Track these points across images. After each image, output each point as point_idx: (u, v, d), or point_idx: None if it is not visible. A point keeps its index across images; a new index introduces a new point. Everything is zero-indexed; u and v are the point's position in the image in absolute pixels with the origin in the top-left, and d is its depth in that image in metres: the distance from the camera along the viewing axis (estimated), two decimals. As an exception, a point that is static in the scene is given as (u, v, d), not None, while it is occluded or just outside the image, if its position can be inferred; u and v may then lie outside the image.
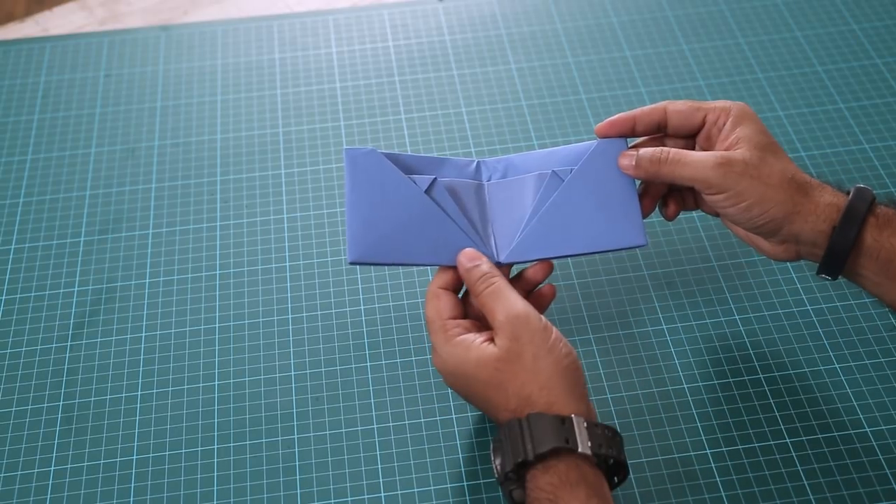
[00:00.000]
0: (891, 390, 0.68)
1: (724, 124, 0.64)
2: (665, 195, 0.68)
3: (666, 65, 0.93)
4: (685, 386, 0.69)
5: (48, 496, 0.65)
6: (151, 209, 0.82)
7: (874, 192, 0.62)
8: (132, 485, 0.65)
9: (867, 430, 0.66)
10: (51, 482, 0.65)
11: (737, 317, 0.73)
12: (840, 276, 0.63)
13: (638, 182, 0.67)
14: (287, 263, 0.77)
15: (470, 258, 0.63)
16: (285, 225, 0.80)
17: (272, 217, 0.81)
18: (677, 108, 0.66)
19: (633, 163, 0.64)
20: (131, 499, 0.64)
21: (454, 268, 0.64)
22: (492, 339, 0.60)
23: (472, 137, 0.87)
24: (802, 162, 0.83)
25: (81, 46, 0.97)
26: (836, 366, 0.70)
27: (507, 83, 0.92)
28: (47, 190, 0.84)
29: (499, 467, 0.57)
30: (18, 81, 0.94)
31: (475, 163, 0.68)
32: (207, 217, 0.81)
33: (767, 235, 0.63)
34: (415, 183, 0.65)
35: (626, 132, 0.66)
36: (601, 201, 0.65)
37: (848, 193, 0.62)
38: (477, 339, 0.60)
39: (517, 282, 0.66)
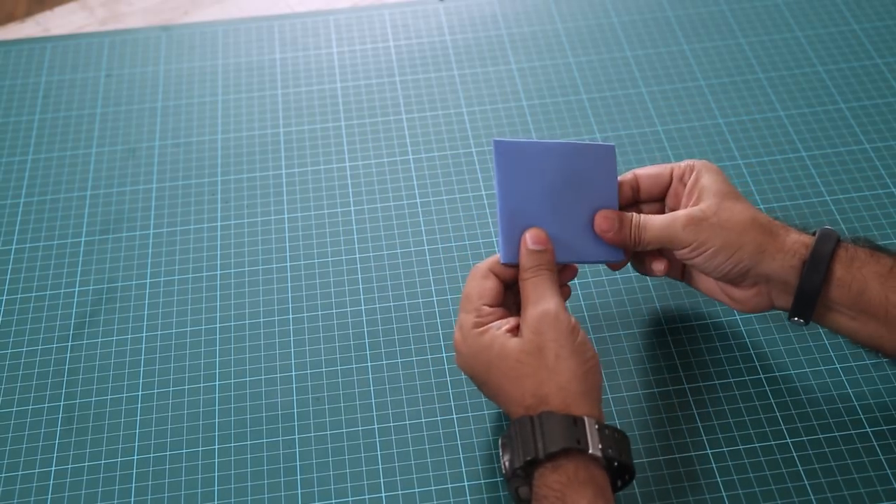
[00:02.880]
0: (891, 390, 0.68)
1: (689, 179, 0.65)
2: (636, 263, 0.69)
3: (667, 65, 0.93)
4: (685, 386, 0.69)
5: (49, 496, 0.65)
6: (152, 209, 0.82)
7: (837, 232, 0.64)
8: (133, 485, 0.65)
9: (868, 429, 0.66)
10: (51, 482, 0.65)
11: (738, 317, 0.73)
12: (812, 321, 0.64)
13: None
14: (287, 263, 0.77)
15: (536, 240, 0.63)
16: (285, 225, 0.80)
17: (272, 217, 0.81)
18: (647, 172, 0.67)
19: (616, 226, 0.64)
20: (132, 499, 0.64)
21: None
22: (517, 328, 0.60)
23: (473, 137, 0.87)
24: (803, 162, 0.83)
25: (82, 46, 0.97)
26: (837, 366, 0.69)
27: (508, 83, 0.92)
28: (48, 190, 0.84)
29: (507, 463, 0.57)
30: (19, 81, 0.94)
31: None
32: (208, 217, 0.81)
33: (738, 281, 0.64)
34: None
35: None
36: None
37: (813, 234, 0.63)
38: (503, 326, 0.60)
39: None
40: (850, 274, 0.61)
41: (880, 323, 0.61)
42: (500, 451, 0.58)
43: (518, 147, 0.64)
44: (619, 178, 0.67)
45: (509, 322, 0.61)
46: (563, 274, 0.66)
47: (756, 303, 0.65)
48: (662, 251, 0.67)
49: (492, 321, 0.61)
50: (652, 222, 0.64)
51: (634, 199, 0.68)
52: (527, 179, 0.64)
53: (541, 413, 0.56)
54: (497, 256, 0.63)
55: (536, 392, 0.57)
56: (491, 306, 0.62)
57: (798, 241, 0.62)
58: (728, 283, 0.65)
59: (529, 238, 0.62)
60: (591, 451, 0.55)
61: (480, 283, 0.62)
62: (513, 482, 0.57)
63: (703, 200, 0.63)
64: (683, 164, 0.67)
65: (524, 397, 0.58)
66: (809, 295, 0.62)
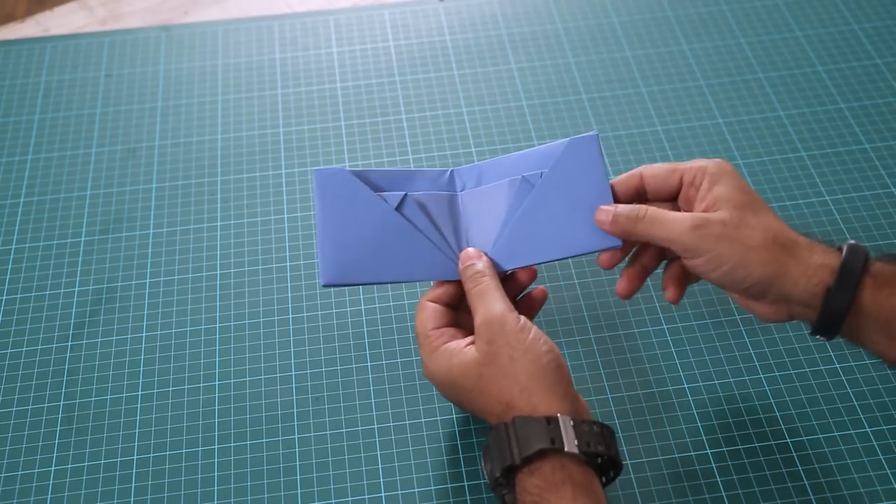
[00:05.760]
0: (891, 390, 0.68)
1: (701, 183, 0.61)
2: (665, 277, 0.65)
3: (666, 65, 0.93)
4: (685, 386, 0.69)
5: (48, 496, 0.65)
6: (152, 209, 0.82)
7: (867, 247, 0.59)
8: (133, 485, 0.65)
9: (868, 429, 0.66)
10: (51, 482, 0.65)
11: (737, 316, 0.73)
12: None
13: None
14: (287, 263, 0.78)
15: (467, 257, 0.63)
16: (285, 225, 0.80)
17: (272, 217, 0.81)
18: (653, 171, 0.63)
19: (610, 218, 0.62)
20: (132, 499, 0.64)
21: (446, 282, 0.64)
22: (472, 343, 0.60)
23: (473, 137, 0.87)
24: (803, 162, 0.83)
25: (82, 46, 0.97)
26: (837, 366, 0.69)
27: (508, 83, 0.92)
28: (48, 190, 0.84)
29: (488, 473, 0.57)
30: (19, 81, 0.94)
31: (448, 172, 0.68)
32: (208, 217, 0.81)
33: (756, 297, 0.60)
34: (385, 200, 0.65)
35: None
36: (575, 204, 0.64)
37: (840, 250, 0.59)
38: (459, 344, 0.60)
39: (507, 284, 0.65)
40: (879, 303, 0.57)
41: None
42: (482, 460, 0.58)
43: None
44: (624, 176, 0.65)
45: (466, 339, 0.60)
46: (521, 277, 0.65)
47: (776, 317, 0.61)
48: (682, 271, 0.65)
49: (445, 342, 0.61)
50: (662, 216, 0.60)
51: (641, 200, 0.65)
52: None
53: (514, 418, 0.56)
54: (429, 289, 0.64)
55: (500, 398, 0.57)
56: (438, 328, 0.62)
57: (823, 265, 0.58)
58: (745, 297, 0.62)
59: (463, 257, 0.63)
60: (567, 449, 0.54)
61: (420, 316, 0.63)
62: (497, 490, 0.57)
63: (719, 210, 0.60)
64: (694, 166, 0.62)
65: (493, 406, 0.58)
66: (833, 321, 0.58)
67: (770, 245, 0.58)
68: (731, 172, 0.62)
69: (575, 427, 0.55)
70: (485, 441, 0.58)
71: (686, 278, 0.65)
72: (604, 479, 0.58)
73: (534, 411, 0.56)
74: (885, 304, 0.57)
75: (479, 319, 0.59)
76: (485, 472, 0.58)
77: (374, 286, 0.76)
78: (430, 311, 0.62)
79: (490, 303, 0.60)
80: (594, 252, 0.63)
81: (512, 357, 0.57)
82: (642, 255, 0.65)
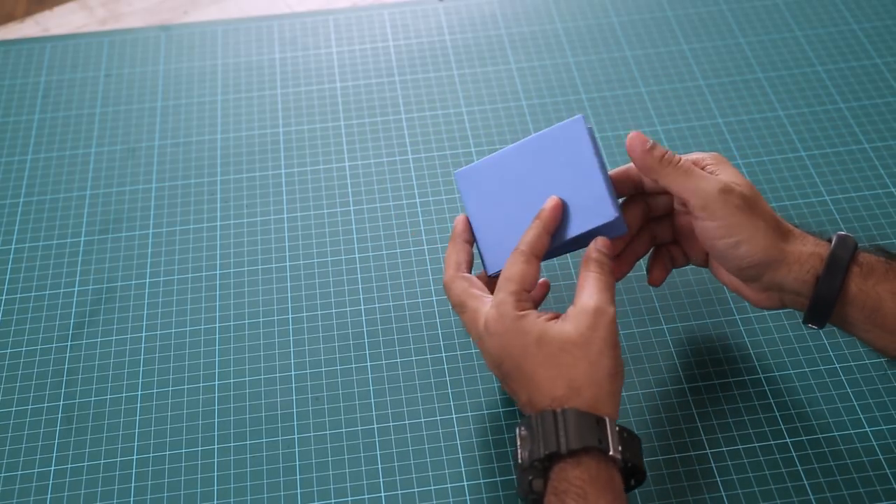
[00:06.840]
0: (891, 390, 0.68)
1: (704, 168, 0.63)
2: (651, 260, 0.68)
3: (666, 65, 0.93)
4: (685, 386, 0.69)
5: (48, 496, 0.65)
6: (151, 209, 0.82)
7: (856, 239, 0.61)
8: (132, 485, 0.65)
9: (867, 429, 0.66)
10: (51, 482, 0.65)
11: (737, 317, 0.73)
12: (828, 325, 0.62)
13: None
14: (287, 263, 0.78)
15: (606, 248, 0.62)
16: (285, 225, 0.80)
17: (272, 217, 0.81)
18: None
19: (647, 146, 0.61)
20: (131, 499, 0.64)
21: (544, 239, 0.62)
22: (555, 318, 0.59)
23: (473, 137, 0.87)
24: (803, 162, 0.83)
25: (82, 46, 0.97)
26: (837, 365, 0.69)
27: (508, 83, 0.92)
28: (47, 190, 0.84)
29: (525, 455, 0.57)
30: (19, 81, 0.94)
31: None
32: (207, 217, 0.81)
33: (750, 280, 0.63)
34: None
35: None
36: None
37: (830, 241, 0.61)
38: (541, 317, 0.59)
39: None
40: (865, 291, 0.60)
41: (895, 337, 0.60)
42: (518, 441, 0.58)
43: (477, 168, 0.67)
44: (622, 168, 0.66)
45: (545, 313, 0.60)
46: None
47: (767, 304, 0.64)
48: (678, 248, 0.67)
49: (530, 308, 0.60)
50: (694, 170, 0.61)
51: (638, 191, 0.66)
52: (496, 191, 0.66)
53: (564, 409, 0.56)
54: (536, 235, 0.62)
55: (572, 383, 0.57)
56: (528, 292, 0.61)
57: (814, 254, 0.60)
58: (739, 279, 0.64)
59: (601, 243, 0.62)
60: (611, 453, 0.55)
61: (524, 268, 0.61)
62: (526, 473, 0.57)
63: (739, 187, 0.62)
64: (691, 158, 0.64)
65: (555, 387, 0.57)
66: (822, 308, 0.60)
67: (773, 230, 0.61)
68: (729, 163, 0.64)
69: (618, 432, 0.56)
70: (525, 423, 0.58)
71: (672, 262, 0.68)
72: (630, 484, 0.59)
73: (591, 408, 0.56)
74: (870, 292, 0.60)
75: (589, 302, 0.59)
76: (519, 454, 0.57)
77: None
78: (533, 271, 0.61)
79: (606, 296, 0.59)
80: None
81: (602, 351, 0.57)
82: (634, 241, 0.68)
